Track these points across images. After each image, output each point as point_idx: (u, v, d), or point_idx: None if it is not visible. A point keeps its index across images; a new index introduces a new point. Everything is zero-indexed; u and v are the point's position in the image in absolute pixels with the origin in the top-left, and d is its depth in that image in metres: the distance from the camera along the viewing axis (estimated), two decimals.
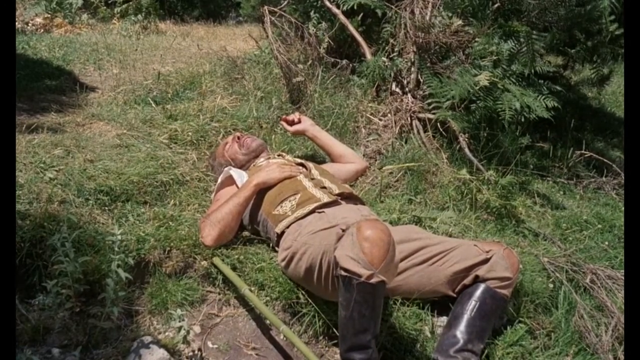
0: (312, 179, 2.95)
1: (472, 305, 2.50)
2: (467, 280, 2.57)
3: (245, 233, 2.94)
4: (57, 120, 3.60)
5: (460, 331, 2.45)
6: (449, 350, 2.41)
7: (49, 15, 7.04)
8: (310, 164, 3.11)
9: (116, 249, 2.28)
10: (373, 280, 2.16)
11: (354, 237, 2.22)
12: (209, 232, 2.73)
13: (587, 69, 5.47)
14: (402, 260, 2.56)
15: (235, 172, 3.05)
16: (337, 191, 2.86)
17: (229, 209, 2.78)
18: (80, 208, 2.70)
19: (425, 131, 4.08)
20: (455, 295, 2.62)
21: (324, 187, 2.88)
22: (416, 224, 3.11)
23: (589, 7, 4.21)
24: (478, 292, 2.53)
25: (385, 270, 2.18)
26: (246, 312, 2.61)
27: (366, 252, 2.17)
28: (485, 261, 2.56)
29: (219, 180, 3.09)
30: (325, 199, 2.77)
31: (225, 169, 3.10)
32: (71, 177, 2.87)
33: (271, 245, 2.87)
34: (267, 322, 2.54)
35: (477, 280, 2.55)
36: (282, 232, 2.72)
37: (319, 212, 2.69)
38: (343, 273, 2.19)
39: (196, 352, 2.40)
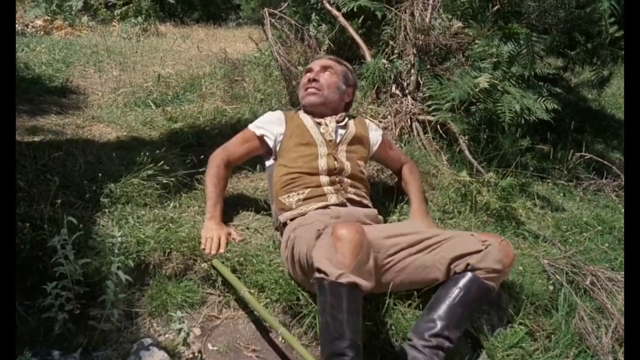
0: (334, 169, 2.92)
1: (455, 292, 2.48)
2: (458, 268, 2.54)
3: (246, 231, 2.96)
4: (57, 122, 3.60)
5: (439, 316, 2.43)
6: (425, 334, 2.39)
7: (49, 18, 7.06)
8: (347, 140, 3.08)
9: (116, 251, 2.28)
10: (343, 280, 2.19)
11: (329, 237, 2.28)
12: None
13: (587, 71, 5.48)
14: (399, 251, 2.59)
15: (262, 125, 3.09)
16: (348, 195, 2.87)
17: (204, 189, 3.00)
18: (80, 210, 2.70)
19: (425, 133, 4.09)
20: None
21: (340, 186, 2.89)
22: None
23: (588, 9, 4.23)
24: (464, 280, 2.50)
25: (358, 271, 2.22)
26: (246, 314, 2.61)
27: (338, 251, 2.23)
28: (480, 251, 2.53)
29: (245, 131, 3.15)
30: (333, 200, 2.81)
31: (253, 124, 3.13)
32: (71, 180, 2.88)
33: (273, 225, 2.99)
34: (267, 324, 2.54)
35: (467, 268, 2.52)
36: (286, 223, 2.77)
37: (323, 209, 2.75)
38: (317, 274, 2.25)
39: (196, 354, 2.39)
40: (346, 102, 3.24)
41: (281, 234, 2.82)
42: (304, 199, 2.82)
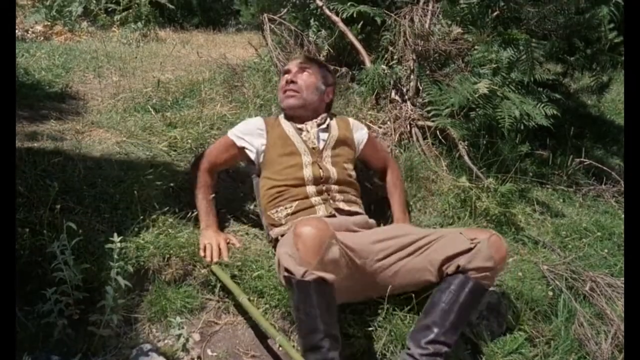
0: (320, 177, 2.88)
1: (449, 295, 2.46)
2: (449, 270, 2.52)
3: (245, 237, 2.96)
4: (57, 127, 3.60)
5: (434, 322, 2.42)
6: (421, 341, 2.39)
7: (49, 23, 7.03)
8: (331, 144, 3.02)
9: (115, 256, 2.28)
10: (308, 278, 2.24)
11: (291, 235, 2.33)
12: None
13: (586, 77, 5.48)
14: (389, 255, 2.60)
15: (243, 135, 3.02)
16: (337, 204, 2.84)
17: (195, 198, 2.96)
18: (79, 216, 2.70)
19: (424, 139, 4.09)
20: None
21: (327, 195, 2.86)
22: None
23: (588, 15, 4.23)
24: (456, 283, 2.48)
25: (322, 265, 2.26)
26: (245, 320, 2.61)
27: (300, 248, 2.27)
28: (469, 250, 2.50)
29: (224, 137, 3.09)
30: (321, 212, 2.78)
31: (233, 132, 3.06)
32: (71, 185, 2.88)
33: (267, 239, 2.96)
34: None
35: (458, 269, 2.50)
36: (277, 239, 2.76)
37: None
38: (285, 273, 2.31)
39: (195, 359, 2.40)
40: (326, 102, 3.17)
41: (274, 248, 2.79)
42: (293, 213, 2.79)
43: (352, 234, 2.68)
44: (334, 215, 2.79)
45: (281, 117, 3.11)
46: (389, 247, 2.61)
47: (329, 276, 2.28)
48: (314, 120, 3.05)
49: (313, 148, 2.95)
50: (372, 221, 2.94)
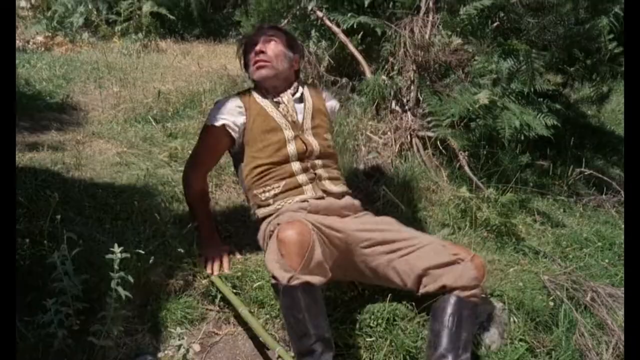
0: (304, 152, 2.81)
1: (450, 320, 2.44)
2: (429, 287, 2.52)
3: (246, 247, 2.95)
4: (58, 138, 3.61)
5: (445, 348, 2.40)
6: None
7: (50, 34, 7.06)
8: (309, 115, 2.96)
9: (116, 267, 2.27)
10: (294, 283, 2.24)
11: (275, 241, 2.33)
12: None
13: (586, 87, 5.49)
14: (372, 246, 2.59)
15: (222, 115, 2.90)
16: (324, 185, 2.80)
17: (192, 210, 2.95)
18: (80, 226, 2.70)
19: (425, 149, 4.10)
20: (417, 293, 2.58)
21: (313, 172, 2.82)
22: None
23: (588, 26, 4.25)
24: (451, 305, 2.47)
25: (307, 269, 2.26)
26: (245, 330, 2.60)
27: (283, 254, 2.28)
28: (451, 263, 2.51)
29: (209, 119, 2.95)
30: (309, 193, 2.75)
31: (211, 118, 2.92)
32: (71, 195, 2.88)
33: (252, 217, 2.91)
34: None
35: (444, 290, 2.50)
36: (264, 218, 2.75)
37: (301, 202, 2.72)
38: (272, 280, 2.33)
39: None
40: (295, 70, 3.06)
41: (258, 227, 2.79)
42: (281, 193, 2.76)
43: (339, 218, 2.68)
44: (322, 197, 2.76)
45: (254, 92, 2.99)
46: (373, 237, 2.59)
47: (314, 279, 2.28)
48: (288, 91, 2.96)
49: (293, 122, 2.88)
50: (357, 202, 2.90)
